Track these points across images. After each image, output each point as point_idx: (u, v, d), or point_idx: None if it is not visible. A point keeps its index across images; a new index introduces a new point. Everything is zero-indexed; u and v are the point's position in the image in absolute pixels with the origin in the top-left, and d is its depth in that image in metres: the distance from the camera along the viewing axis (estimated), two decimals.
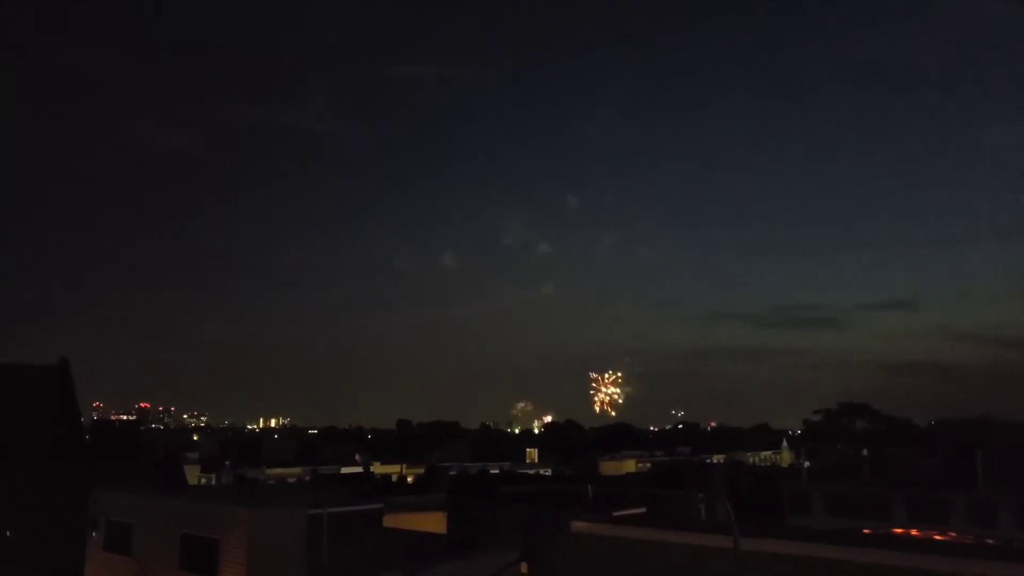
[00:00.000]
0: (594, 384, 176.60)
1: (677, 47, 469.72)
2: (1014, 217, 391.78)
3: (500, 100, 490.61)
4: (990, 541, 35.04)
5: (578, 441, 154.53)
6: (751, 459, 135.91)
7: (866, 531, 34.22)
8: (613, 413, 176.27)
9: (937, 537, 36.88)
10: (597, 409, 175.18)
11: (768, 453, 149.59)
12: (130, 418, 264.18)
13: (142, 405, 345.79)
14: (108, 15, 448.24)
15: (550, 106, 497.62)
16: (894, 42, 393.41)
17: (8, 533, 26.59)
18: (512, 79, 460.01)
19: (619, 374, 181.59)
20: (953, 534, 39.38)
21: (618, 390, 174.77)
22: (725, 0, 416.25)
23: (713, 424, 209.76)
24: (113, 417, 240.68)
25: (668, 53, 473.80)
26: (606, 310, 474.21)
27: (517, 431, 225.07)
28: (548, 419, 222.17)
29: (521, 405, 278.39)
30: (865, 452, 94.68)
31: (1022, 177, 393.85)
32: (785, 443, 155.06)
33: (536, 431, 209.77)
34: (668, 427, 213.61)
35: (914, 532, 39.27)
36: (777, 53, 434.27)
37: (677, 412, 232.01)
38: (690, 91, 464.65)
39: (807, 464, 73.01)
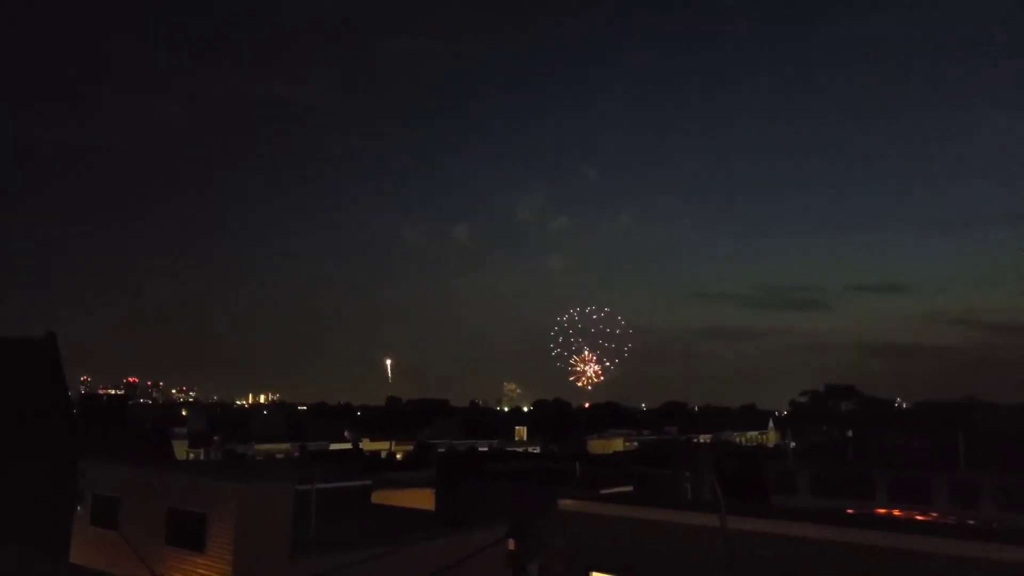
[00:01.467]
0: (573, 360, 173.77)
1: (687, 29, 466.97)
2: (1005, 203, 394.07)
3: (514, 73, 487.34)
4: (971, 522, 35.57)
5: (566, 419, 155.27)
6: (738, 439, 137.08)
7: (849, 511, 34.61)
8: (590, 387, 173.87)
9: (919, 517, 37.40)
10: (580, 383, 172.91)
11: (754, 433, 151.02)
12: (118, 392, 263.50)
13: (130, 380, 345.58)
14: None
15: (566, 79, 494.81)
16: (891, 24, 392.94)
17: None
18: (527, 52, 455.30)
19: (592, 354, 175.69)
20: (935, 514, 39.94)
21: (598, 367, 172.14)
22: None
23: (700, 404, 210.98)
24: (101, 391, 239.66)
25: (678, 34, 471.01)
26: (601, 288, 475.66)
27: (506, 409, 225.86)
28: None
29: (511, 387, 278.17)
30: (850, 433, 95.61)
31: (1015, 163, 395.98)
32: (771, 424, 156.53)
33: (525, 409, 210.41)
34: (656, 406, 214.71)
35: (896, 512, 39.77)
36: (778, 34, 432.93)
37: (665, 391, 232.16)
38: (690, 77, 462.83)
39: (792, 444, 73.71)
